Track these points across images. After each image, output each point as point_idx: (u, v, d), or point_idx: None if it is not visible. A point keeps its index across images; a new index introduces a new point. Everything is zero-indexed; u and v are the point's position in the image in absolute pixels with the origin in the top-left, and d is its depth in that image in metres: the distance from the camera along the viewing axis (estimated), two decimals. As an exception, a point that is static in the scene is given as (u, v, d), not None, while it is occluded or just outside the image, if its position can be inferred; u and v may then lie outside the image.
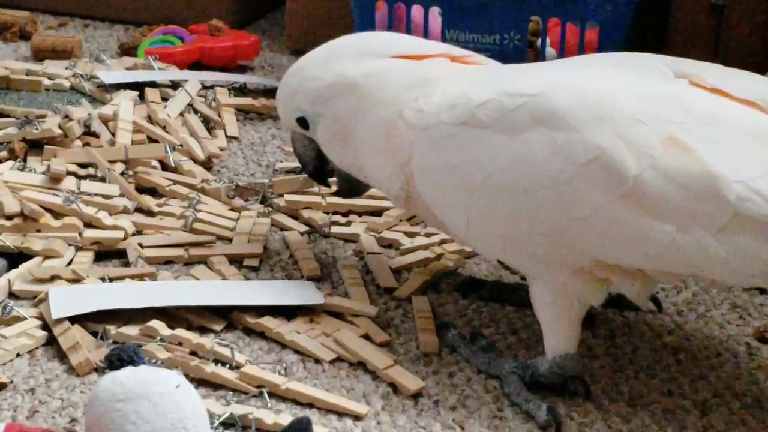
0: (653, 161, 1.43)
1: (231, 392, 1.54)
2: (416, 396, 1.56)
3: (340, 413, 1.52)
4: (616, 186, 1.44)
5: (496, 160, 1.51)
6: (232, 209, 2.03)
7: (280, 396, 1.54)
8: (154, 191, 2.06)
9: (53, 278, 1.74)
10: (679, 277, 1.52)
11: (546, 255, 1.52)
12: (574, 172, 1.46)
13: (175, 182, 2.08)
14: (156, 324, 1.63)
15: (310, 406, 1.53)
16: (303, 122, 1.77)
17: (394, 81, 1.68)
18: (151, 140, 2.21)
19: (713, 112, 1.47)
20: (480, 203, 1.54)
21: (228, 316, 1.70)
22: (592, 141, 1.45)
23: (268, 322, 1.67)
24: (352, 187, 1.83)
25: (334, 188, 1.98)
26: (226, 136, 2.35)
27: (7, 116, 2.27)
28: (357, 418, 1.52)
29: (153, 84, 2.45)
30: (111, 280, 1.76)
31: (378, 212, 2.05)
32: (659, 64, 1.57)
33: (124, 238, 1.88)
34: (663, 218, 1.43)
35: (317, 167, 1.83)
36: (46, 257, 1.81)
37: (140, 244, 1.87)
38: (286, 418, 1.47)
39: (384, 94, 1.67)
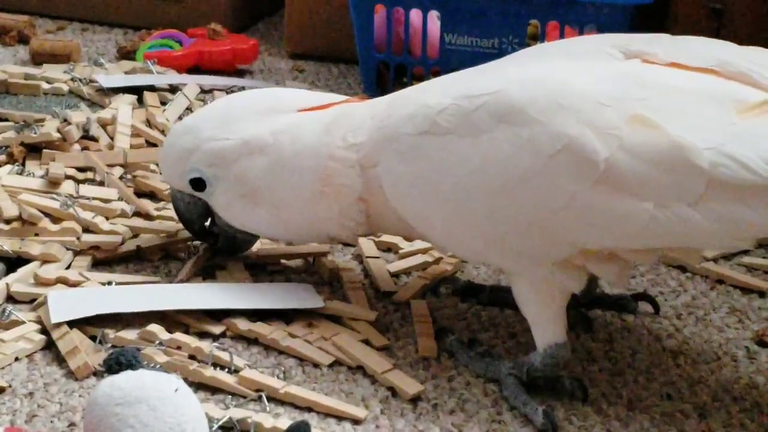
0: (621, 142, 1.43)
1: (230, 396, 1.53)
2: (415, 400, 1.56)
3: (339, 417, 1.52)
4: (588, 172, 1.44)
5: (464, 164, 1.51)
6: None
7: (278, 400, 1.54)
8: (152, 195, 2.06)
9: (51, 282, 1.74)
10: (657, 255, 1.53)
11: (529, 250, 1.52)
12: (543, 164, 1.46)
13: (174, 186, 2.08)
14: (154, 328, 1.63)
15: (309, 410, 1.53)
16: (198, 184, 1.73)
17: (308, 131, 1.68)
18: (150, 144, 2.21)
19: (671, 85, 1.47)
20: (455, 209, 1.54)
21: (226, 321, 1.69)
22: (557, 130, 1.45)
23: (261, 329, 1.66)
24: (235, 245, 1.82)
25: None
26: (225, 140, 2.35)
27: (6, 120, 2.27)
28: (356, 422, 1.51)
29: (152, 88, 2.45)
30: (109, 284, 1.76)
31: (377, 216, 2.05)
32: (606, 47, 1.57)
33: (122, 243, 1.88)
34: (640, 196, 1.43)
35: (203, 226, 1.81)
36: (44, 261, 1.80)
37: (138, 246, 1.87)
38: (284, 422, 1.47)
39: (301, 145, 1.67)
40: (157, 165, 2.11)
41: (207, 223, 1.81)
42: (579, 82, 1.49)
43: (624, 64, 1.54)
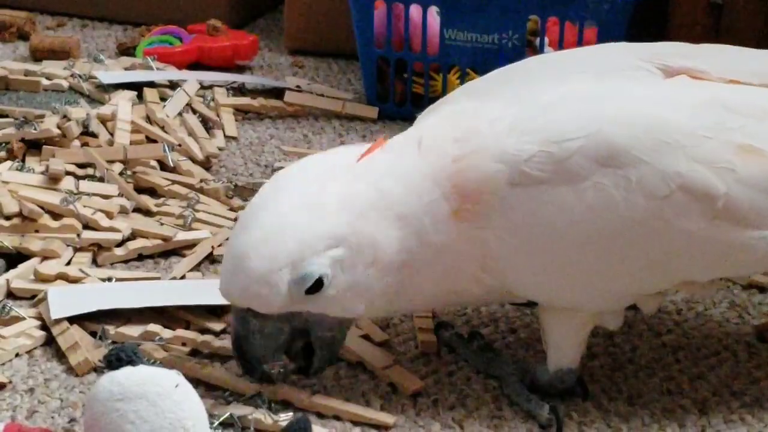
0: (736, 175, 1.39)
1: (230, 392, 1.53)
2: (415, 395, 1.56)
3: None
4: (705, 210, 1.40)
5: (565, 214, 1.41)
6: (231, 209, 2.03)
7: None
8: (152, 191, 2.06)
9: (52, 278, 1.74)
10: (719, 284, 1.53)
11: (633, 289, 1.49)
12: (659, 206, 1.39)
13: (174, 182, 2.08)
14: (155, 328, 1.63)
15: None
16: (316, 286, 1.40)
17: (401, 163, 1.45)
18: (150, 140, 2.20)
19: (760, 107, 1.44)
20: (553, 261, 1.44)
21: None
22: (668, 170, 1.39)
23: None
24: (333, 350, 1.51)
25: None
26: (225, 135, 2.35)
27: (6, 116, 2.27)
28: (356, 418, 1.52)
29: (151, 84, 2.44)
30: (109, 280, 1.76)
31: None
32: (635, 61, 1.51)
33: (122, 240, 1.88)
34: (758, 226, 1.41)
35: (277, 358, 1.48)
36: (45, 257, 1.80)
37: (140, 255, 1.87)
38: (285, 418, 1.47)
39: (410, 178, 1.43)
40: (156, 161, 2.11)
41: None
42: (672, 114, 1.42)
43: (699, 87, 1.48)
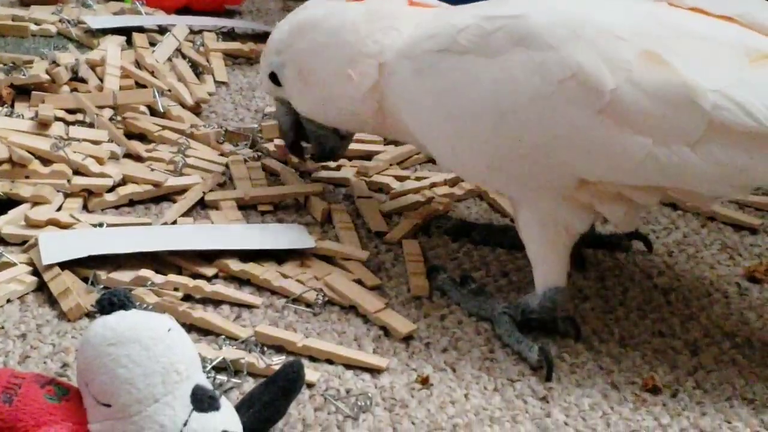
0: (629, 75, 1.43)
1: (223, 336, 1.53)
2: (407, 339, 1.56)
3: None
4: (593, 101, 1.44)
5: (477, 84, 1.52)
6: (222, 154, 2.03)
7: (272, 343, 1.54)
8: (143, 137, 2.05)
9: (42, 224, 1.74)
10: (659, 195, 1.52)
11: (529, 175, 1.52)
12: (552, 90, 1.46)
13: (164, 127, 2.07)
14: (147, 273, 1.63)
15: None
16: (274, 78, 1.84)
17: (350, 15, 1.74)
18: (139, 85, 2.19)
19: (688, 27, 1.47)
20: (461, 128, 1.55)
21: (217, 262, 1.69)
22: (569, 58, 1.46)
23: (254, 269, 1.67)
24: (327, 148, 1.89)
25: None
26: (215, 81, 2.34)
27: (-6, 62, 2.26)
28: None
29: (140, 29, 2.43)
30: (100, 226, 1.76)
31: (368, 156, 2.05)
32: None
33: (113, 186, 1.87)
34: (640, 131, 1.43)
35: (295, 138, 1.91)
36: (35, 203, 1.80)
37: (131, 200, 1.86)
38: (277, 361, 1.47)
39: (343, 28, 1.73)
40: (146, 106, 2.11)
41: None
42: (599, 13, 1.49)
43: (651, 5, 1.53)
